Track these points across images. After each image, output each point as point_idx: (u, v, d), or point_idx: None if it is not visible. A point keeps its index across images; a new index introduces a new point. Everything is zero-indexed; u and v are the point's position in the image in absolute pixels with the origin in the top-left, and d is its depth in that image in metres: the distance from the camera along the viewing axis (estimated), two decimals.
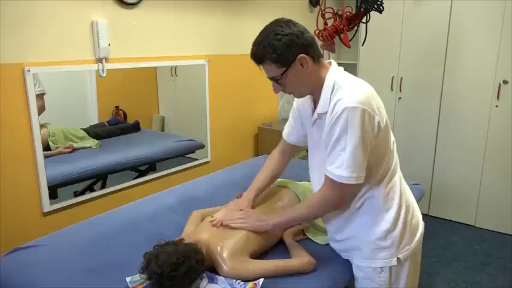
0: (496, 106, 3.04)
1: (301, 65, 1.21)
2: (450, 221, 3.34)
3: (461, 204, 3.29)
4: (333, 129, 1.17)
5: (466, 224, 3.28)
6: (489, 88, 3.04)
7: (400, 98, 3.44)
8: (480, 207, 3.23)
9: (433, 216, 3.40)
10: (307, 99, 1.37)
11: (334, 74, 1.24)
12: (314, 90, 1.28)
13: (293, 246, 1.48)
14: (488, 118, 3.09)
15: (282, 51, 1.18)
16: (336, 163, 1.18)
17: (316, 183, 1.39)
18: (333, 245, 1.47)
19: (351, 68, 3.83)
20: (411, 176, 2.75)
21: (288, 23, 1.20)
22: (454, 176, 3.27)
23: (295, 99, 1.47)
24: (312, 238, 1.60)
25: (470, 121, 3.14)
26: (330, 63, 1.29)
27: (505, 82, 2.99)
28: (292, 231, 1.57)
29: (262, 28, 1.23)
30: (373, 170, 1.25)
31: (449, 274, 2.58)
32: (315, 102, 1.33)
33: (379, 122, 1.18)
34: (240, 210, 1.48)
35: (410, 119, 3.41)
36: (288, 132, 1.56)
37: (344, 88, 1.18)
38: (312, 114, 1.33)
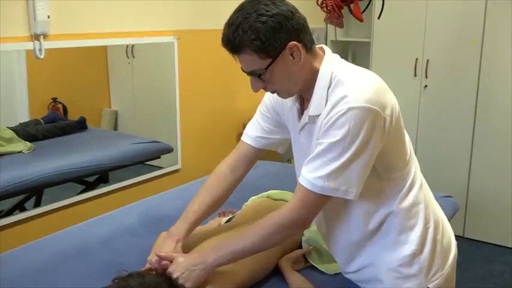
0: None
1: (292, 55, 1.21)
2: (492, 244, 3.40)
3: (505, 224, 3.36)
4: (328, 132, 1.17)
5: None
6: None
7: (426, 86, 3.51)
8: None
9: (470, 239, 3.47)
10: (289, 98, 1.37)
11: (331, 63, 1.25)
12: (304, 87, 1.28)
13: (292, 278, 1.50)
14: None
15: (268, 38, 1.17)
16: (320, 172, 1.19)
17: None
18: (345, 275, 1.49)
19: (363, 48, 3.90)
20: (441, 186, 2.81)
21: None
22: (497, 187, 3.33)
23: (268, 93, 1.45)
24: (317, 266, 1.62)
25: None
26: (321, 49, 1.30)
27: None
28: (291, 257, 1.60)
29: (239, 3, 1.20)
30: (384, 181, 1.28)
31: None
32: (303, 101, 1.34)
33: (390, 124, 1.20)
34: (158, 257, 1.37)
35: (438, 113, 3.48)
36: (255, 134, 1.52)
37: (346, 82, 1.20)
38: (299, 116, 1.34)
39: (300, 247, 1.67)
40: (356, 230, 1.34)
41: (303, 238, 1.67)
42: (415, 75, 3.52)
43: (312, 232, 1.65)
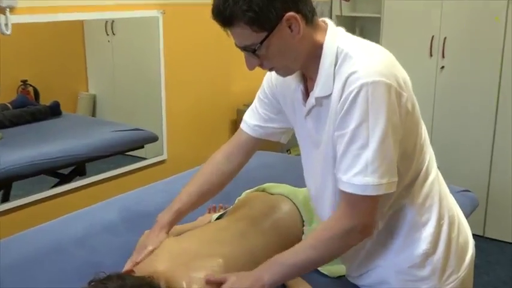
0: None
1: (290, 27, 1.20)
2: None
3: None
4: (347, 118, 1.17)
5: None
6: None
7: (442, 67, 3.51)
8: None
9: (491, 239, 3.48)
10: (291, 78, 1.34)
11: (336, 37, 1.25)
12: (307, 64, 1.27)
13: (292, 282, 1.48)
14: None
15: (262, 8, 1.16)
16: (354, 168, 1.17)
17: (315, 199, 1.41)
18: (350, 279, 1.50)
19: (372, 24, 3.89)
20: (458, 180, 2.81)
21: None
22: None
23: (267, 76, 1.45)
24: (319, 269, 1.60)
25: None
26: (323, 22, 1.29)
27: None
28: None
29: None
30: (401, 170, 1.24)
31: None
32: (307, 81, 1.33)
33: (406, 101, 1.20)
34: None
35: (457, 98, 3.48)
36: (253, 123, 1.53)
37: (355, 56, 1.19)
38: (304, 99, 1.33)
39: None
40: (375, 230, 1.32)
41: (304, 237, 1.67)
42: (431, 55, 3.52)
43: (312, 230, 1.65)
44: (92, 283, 1.25)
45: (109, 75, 3.32)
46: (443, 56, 3.48)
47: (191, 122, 3.28)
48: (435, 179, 1.36)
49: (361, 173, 1.17)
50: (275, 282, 1.31)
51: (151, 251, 1.45)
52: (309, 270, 1.40)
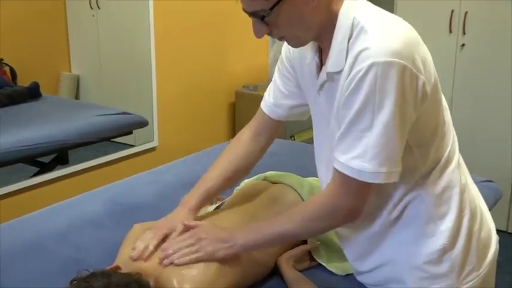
0: None
1: None
2: None
3: None
4: (352, 98, 1.17)
5: None
6: None
7: (463, 44, 3.50)
8: None
9: None
10: (307, 48, 1.37)
11: (353, 7, 1.24)
12: (320, 35, 1.28)
13: (294, 280, 1.50)
14: None
15: None
16: (353, 151, 1.20)
17: (325, 181, 1.41)
18: (358, 278, 1.50)
19: None
20: (479, 169, 2.81)
21: None
22: None
23: (285, 45, 1.46)
24: (325, 265, 1.62)
25: None
26: None
27: None
28: (294, 255, 1.60)
29: None
30: (418, 158, 1.26)
31: None
32: (322, 54, 1.34)
33: (424, 85, 1.20)
34: (183, 228, 1.46)
35: (478, 78, 3.47)
36: (272, 101, 1.57)
37: (370, 31, 1.18)
38: (318, 73, 1.33)
39: (305, 242, 1.67)
40: (374, 218, 1.35)
41: None
42: (450, 32, 3.51)
43: None
44: (74, 282, 1.25)
45: (94, 53, 3.31)
46: (463, 33, 3.47)
47: (185, 105, 3.28)
48: (456, 167, 1.36)
49: (359, 157, 1.19)
50: (247, 247, 1.40)
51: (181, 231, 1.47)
52: (286, 242, 1.52)
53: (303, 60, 1.40)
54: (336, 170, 1.25)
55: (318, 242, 1.65)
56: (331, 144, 1.30)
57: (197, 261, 1.38)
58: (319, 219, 1.32)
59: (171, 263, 1.38)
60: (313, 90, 1.37)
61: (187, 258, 1.39)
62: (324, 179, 1.43)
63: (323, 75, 1.29)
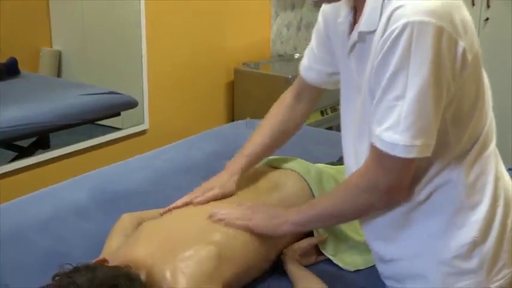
0: None
1: None
2: None
3: None
4: (385, 62, 1.17)
5: None
6: None
7: (487, 19, 3.50)
8: None
9: None
10: (342, 7, 1.37)
11: None
12: None
13: (301, 276, 1.50)
14: None
15: None
16: (386, 121, 1.20)
17: (352, 160, 1.42)
18: (379, 267, 1.50)
19: None
20: (505, 155, 2.82)
21: None
22: None
23: (324, 6, 1.48)
24: (332, 258, 1.62)
25: None
26: None
27: None
28: (298, 248, 1.60)
29: None
30: (451, 135, 1.26)
31: None
32: (356, 14, 1.34)
33: (464, 52, 1.19)
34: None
35: (503, 55, 3.47)
36: (307, 64, 1.61)
37: None
38: (349, 33, 1.33)
39: (311, 234, 1.67)
40: (405, 197, 1.33)
41: None
42: (473, 4, 3.51)
43: None
44: (57, 277, 1.24)
45: (77, 27, 3.29)
46: (488, 6, 3.46)
47: (178, 84, 3.27)
48: (493, 153, 1.36)
49: (391, 129, 1.19)
50: (299, 225, 1.49)
51: (217, 195, 1.61)
52: (332, 224, 1.61)
53: (337, 19, 1.41)
54: (371, 146, 1.26)
55: (326, 236, 1.65)
56: (361, 114, 1.32)
57: (246, 229, 1.49)
58: (358, 197, 1.35)
59: (220, 221, 1.50)
60: (344, 53, 1.37)
61: (239, 222, 1.50)
62: (350, 153, 1.43)
63: (354, 36, 1.29)
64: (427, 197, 1.32)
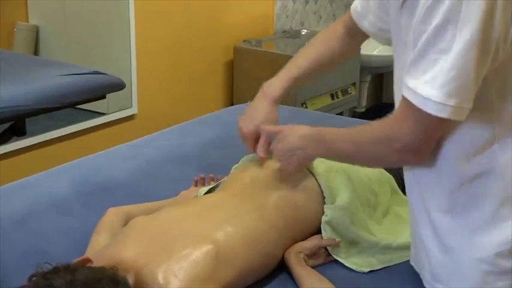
0: None
1: None
2: None
3: None
4: (432, 12, 1.20)
5: None
6: None
7: None
8: None
9: None
10: None
11: None
12: None
13: (307, 278, 1.51)
14: None
15: None
16: (426, 75, 1.23)
17: None
18: (415, 266, 1.52)
19: None
20: None
21: None
22: None
23: None
24: (343, 261, 1.63)
25: None
26: None
27: None
28: (305, 248, 1.61)
29: None
30: (498, 111, 1.29)
31: None
32: None
33: None
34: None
35: None
36: (359, 10, 1.69)
37: None
38: None
39: (319, 232, 1.68)
40: (448, 173, 1.35)
41: (324, 218, 1.67)
42: None
43: (337, 209, 1.66)
44: (34, 278, 1.24)
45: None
46: None
47: (171, 64, 3.27)
48: None
49: (429, 83, 1.22)
50: (317, 155, 1.64)
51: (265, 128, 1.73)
52: (350, 162, 1.69)
53: None
54: (403, 96, 1.28)
55: (338, 240, 1.65)
56: None
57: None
58: (372, 142, 1.42)
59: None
60: (396, 10, 1.39)
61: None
62: None
63: None
64: (469, 191, 1.33)
